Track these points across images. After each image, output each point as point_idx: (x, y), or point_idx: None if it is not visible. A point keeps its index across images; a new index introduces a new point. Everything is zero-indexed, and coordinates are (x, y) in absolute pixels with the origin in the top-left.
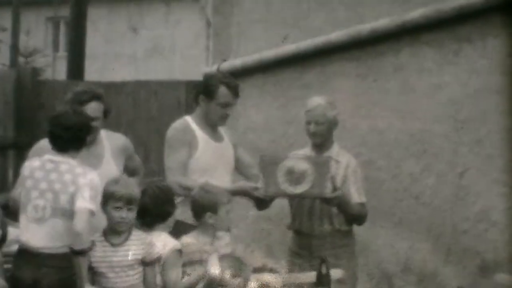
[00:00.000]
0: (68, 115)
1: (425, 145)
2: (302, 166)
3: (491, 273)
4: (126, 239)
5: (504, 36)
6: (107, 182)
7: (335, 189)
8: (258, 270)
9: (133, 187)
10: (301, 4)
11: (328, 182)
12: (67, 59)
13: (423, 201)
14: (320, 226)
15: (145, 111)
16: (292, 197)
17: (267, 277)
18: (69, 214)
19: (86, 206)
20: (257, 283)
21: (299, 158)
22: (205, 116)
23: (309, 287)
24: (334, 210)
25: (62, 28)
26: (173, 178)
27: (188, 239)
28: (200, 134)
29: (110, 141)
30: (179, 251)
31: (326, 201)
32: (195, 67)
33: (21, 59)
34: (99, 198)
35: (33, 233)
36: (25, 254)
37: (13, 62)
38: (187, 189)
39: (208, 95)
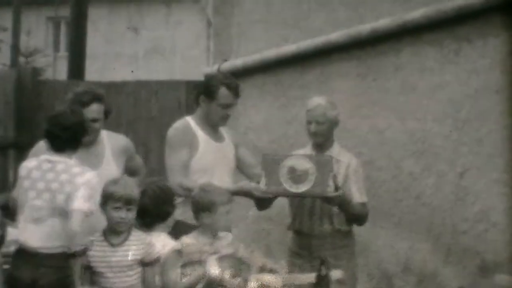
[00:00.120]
0: (65, 115)
1: (425, 145)
2: (304, 165)
3: (491, 274)
4: (126, 239)
5: (504, 35)
6: (106, 183)
7: (337, 188)
8: (258, 270)
9: (132, 188)
10: (302, 5)
11: (330, 181)
12: (68, 59)
13: (423, 201)
14: (320, 226)
15: (145, 111)
16: (294, 196)
17: (267, 278)
18: (66, 213)
19: (82, 207)
20: (257, 284)
21: (301, 157)
22: (206, 116)
23: None
24: (335, 210)
25: (63, 28)
26: (174, 179)
27: (188, 239)
28: (200, 134)
29: (110, 142)
30: (179, 252)
31: (328, 200)
32: (195, 67)
33: (21, 59)
34: (97, 197)
35: (31, 233)
36: (23, 254)
37: (14, 62)
38: (188, 190)
39: (209, 95)
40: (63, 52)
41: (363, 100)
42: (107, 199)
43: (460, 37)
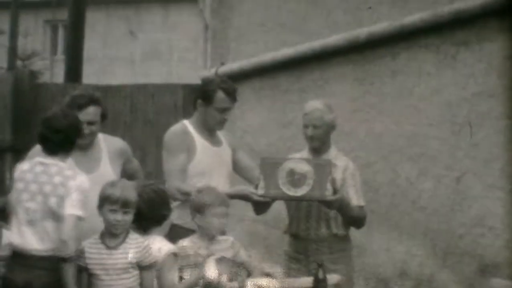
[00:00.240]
0: (57, 118)
1: (422, 149)
2: (303, 168)
3: (487, 278)
4: (122, 242)
5: (501, 40)
6: (104, 185)
7: (335, 192)
8: (256, 274)
9: (129, 191)
10: (299, 8)
11: (329, 185)
12: (65, 62)
13: (419, 206)
14: (317, 230)
15: (142, 114)
16: (292, 200)
17: (264, 282)
18: (59, 216)
19: (73, 213)
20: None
21: (300, 160)
22: (203, 120)
23: None
24: (332, 214)
25: (60, 31)
26: (172, 183)
27: (185, 242)
28: (198, 138)
29: (107, 145)
30: (175, 255)
31: (327, 204)
32: (192, 70)
33: (19, 62)
34: (88, 202)
35: (24, 235)
36: (17, 256)
37: (11, 65)
38: (186, 194)
39: (206, 99)
40: (61, 55)
41: (360, 104)
42: (104, 201)
43: (457, 41)
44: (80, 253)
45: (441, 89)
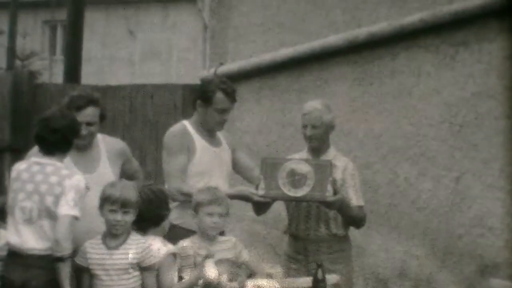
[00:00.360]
0: (54, 118)
1: (421, 149)
2: (303, 169)
3: (486, 278)
4: (123, 242)
5: (500, 40)
6: (105, 186)
7: (335, 192)
8: (255, 274)
9: (129, 191)
10: (298, 8)
11: (329, 186)
12: (64, 63)
13: (419, 206)
14: (316, 231)
15: (141, 115)
16: (292, 200)
17: (263, 282)
18: (55, 215)
19: (68, 213)
20: None
21: (301, 161)
22: (203, 121)
23: None
24: (331, 214)
25: (59, 31)
26: (172, 184)
27: (185, 242)
28: (197, 139)
29: (106, 145)
30: (174, 255)
31: (327, 204)
32: (192, 70)
33: (18, 62)
34: (94, 201)
35: (21, 234)
36: (14, 256)
37: (10, 65)
38: (187, 195)
39: (206, 100)
40: (59, 56)
41: (360, 104)
42: (104, 201)
43: (456, 42)
44: (82, 254)
45: (440, 89)
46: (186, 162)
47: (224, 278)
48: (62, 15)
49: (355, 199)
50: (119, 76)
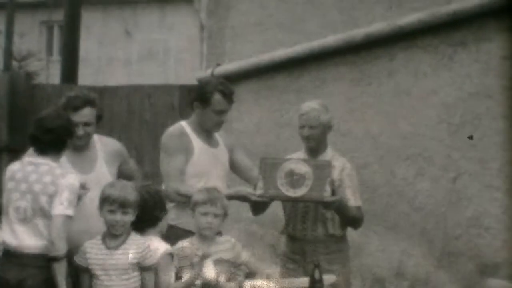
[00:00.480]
0: (49, 118)
1: (419, 149)
2: (302, 169)
3: (484, 278)
4: (123, 242)
5: (498, 40)
6: (104, 186)
7: (334, 193)
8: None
9: (128, 191)
10: (296, 8)
11: (327, 186)
12: (61, 63)
13: (416, 206)
14: (314, 231)
15: (139, 115)
16: (291, 201)
17: (261, 283)
18: (49, 214)
19: (62, 213)
20: None
21: (299, 161)
22: (200, 122)
23: None
24: (329, 214)
25: (56, 32)
26: (170, 185)
27: (184, 243)
28: (195, 139)
29: (103, 146)
30: (171, 255)
31: (326, 205)
32: (189, 71)
33: (14, 63)
34: (92, 201)
35: (16, 234)
36: (10, 255)
37: (7, 66)
38: (185, 196)
39: (203, 102)
40: (57, 56)
41: (357, 105)
42: (103, 202)
43: (454, 42)
44: (81, 254)
45: (438, 89)
46: (184, 163)
47: (222, 278)
48: (59, 15)
49: (353, 200)
50: (116, 77)
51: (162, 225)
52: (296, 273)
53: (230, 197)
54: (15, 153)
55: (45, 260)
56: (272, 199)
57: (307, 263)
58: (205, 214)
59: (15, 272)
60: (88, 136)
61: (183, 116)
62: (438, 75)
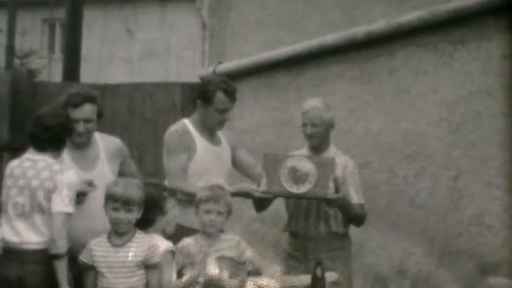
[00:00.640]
0: (47, 115)
1: (420, 148)
2: (306, 166)
3: (485, 277)
4: (128, 240)
5: (498, 38)
6: (108, 184)
7: (337, 190)
8: (255, 273)
9: (132, 189)
10: (296, 7)
11: (331, 183)
12: (63, 61)
13: (417, 204)
14: (316, 228)
15: (140, 113)
16: (295, 197)
17: (263, 281)
18: (46, 209)
19: (63, 210)
20: (254, 287)
21: (303, 157)
22: (203, 120)
23: None
24: (331, 212)
25: (58, 30)
26: (174, 184)
27: (188, 240)
28: (198, 137)
29: (104, 144)
30: (172, 252)
31: (329, 202)
32: (190, 69)
33: (16, 61)
34: (93, 199)
35: (16, 230)
36: (9, 252)
37: (9, 64)
38: (189, 195)
39: (206, 100)
40: (58, 54)
41: (358, 103)
42: (108, 199)
43: (454, 40)
44: (87, 251)
45: (438, 87)
46: (187, 161)
47: (225, 275)
48: (60, 13)
49: (355, 197)
50: (118, 75)
51: (163, 223)
52: (298, 271)
53: (233, 195)
54: (17, 152)
55: (44, 256)
56: (275, 195)
57: (309, 260)
58: (209, 211)
59: (14, 269)
60: (89, 133)
61: (184, 114)
62: (438, 73)
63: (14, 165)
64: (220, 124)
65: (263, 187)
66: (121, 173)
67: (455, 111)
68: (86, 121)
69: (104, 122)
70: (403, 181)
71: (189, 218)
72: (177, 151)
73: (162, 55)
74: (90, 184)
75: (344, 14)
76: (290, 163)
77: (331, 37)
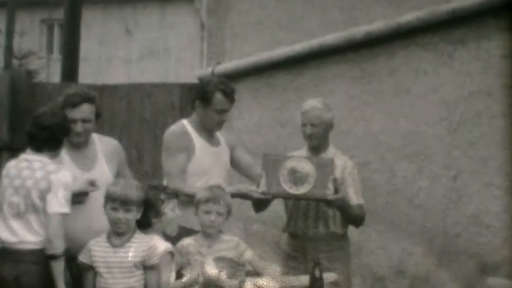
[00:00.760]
0: (44, 115)
1: (419, 148)
2: (305, 167)
3: (484, 277)
4: (127, 241)
5: (498, 38)
6: (108, 184)
7: (336, 191)
8: (254, 273)
9: (131, 189)
10: (296, 7)
11: (330, 184)
12: (61, 62)
13: (416, 204)
14: (315, 229)
15: (139, 114)
16: (294, 198)
17: (262, 281)
18: (40, 209)
19: (58, 210)
20: (253, 287)
21: (303, 158)
22: (202, 121)
23: None
24: (330, 212)
25: (57, 30)
26: (173, 184)
27: (188, 240)
28: (197, 138)
29: (102, 144)
30: (171, 253)
31: (328, 202)
32: (189, 69)
33: (15, 61)
34: (92, 199)
35: (12, 229)
36: (5, 252)
37: (7, 64)
38: (188, 195)
39: (205, 101)
40: (57, 55)
41: (357, 103)
42: (107, 199)
43: (454, 40)
44: (86, 251)
45: (438, 87)
46: (186, 162)
47: (224, 275)
48: (59, 14)
49: (355, 198)
50: (117, 75)
51: (163, 224)
52: (297, 271)
53: (232, 195)
54: (16, 152)
55: (41, 256)
56: (275, 196)
57: (308, 261)
58: (208, 212)
59: (10, 268)
60: (87, 133)
61: (183, 114)
62: (438, 73)
63: (11, 165)
64: (219, 124)
65: (262, 187)
66: (117, 176)
67: (454, 111)
68: (84, 121)
69: (103, 123)
70: (402, 181)
71: (190, 219)
72: (176, 151)
73: (161, 56)
74: (92, 183)
75: (344, 15)
76: (289, 164)
77: (330, 37)
